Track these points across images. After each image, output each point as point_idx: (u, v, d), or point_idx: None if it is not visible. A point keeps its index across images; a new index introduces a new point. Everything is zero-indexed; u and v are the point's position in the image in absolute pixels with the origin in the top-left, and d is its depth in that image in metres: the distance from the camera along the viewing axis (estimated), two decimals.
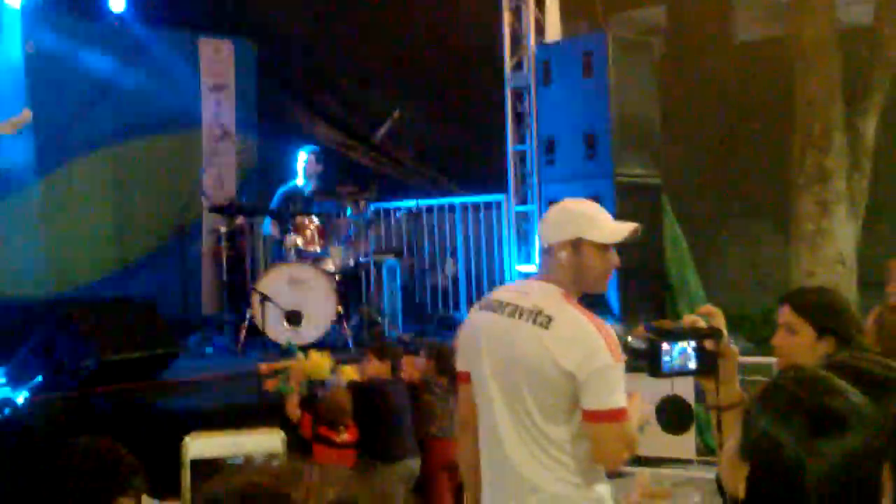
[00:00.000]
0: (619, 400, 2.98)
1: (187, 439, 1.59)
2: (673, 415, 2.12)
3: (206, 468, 1.58)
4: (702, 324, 2.15)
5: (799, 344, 3.04)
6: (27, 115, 6.51)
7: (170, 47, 10.78)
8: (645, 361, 2.08)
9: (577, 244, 3.17)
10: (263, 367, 6.18)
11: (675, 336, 2.06)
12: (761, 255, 11.00)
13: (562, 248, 3.17)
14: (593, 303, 3.32)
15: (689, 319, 2.22)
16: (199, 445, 1.57)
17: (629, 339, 2.12)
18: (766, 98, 11.09)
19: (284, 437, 1.58)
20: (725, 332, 2.26)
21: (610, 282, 3.34)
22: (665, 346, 2.03)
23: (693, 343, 2.05)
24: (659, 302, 8.50)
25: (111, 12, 10.71)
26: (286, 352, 7.24)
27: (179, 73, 10.79)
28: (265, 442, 1.54)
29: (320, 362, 6.01)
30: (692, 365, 2.05)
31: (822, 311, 3.09)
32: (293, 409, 5.77)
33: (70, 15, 10.04)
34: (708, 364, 2.08)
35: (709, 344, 2.13)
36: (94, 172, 10.09)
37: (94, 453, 2.65)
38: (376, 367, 6.16)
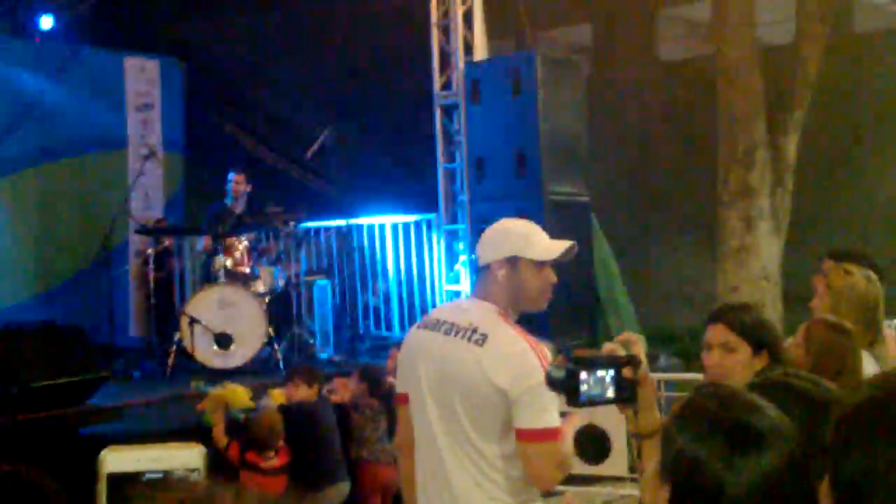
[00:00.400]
0: (551, 419, 2.99)
1: (104, 452, 1.56)
2: (590, 445, 2.13)
3: (124, 482, 1.55)
4: (621, 352, 2.16)
5: (737, 362, 3.06)
6: None
7: (95, 66, 10.65)
8: (563, 390, 2.06)
9: (513, 262, 3.18)
10: (202, 405, 6.07)
11: (593, 364, 2.06)
12: (688, 271, 11.16)
13: (499, 266, 3.19)
14: (532, 321, 3.33)
15: (608, 347, 2.22)
16: (116, 459, 1.55)
17: (548, 367, 2.10)
18: (690, 115, 11.28)
19: (205, 451, 1.56)
20: (644, 359, 2.27)
21: None
22: (583, 374, 2.03)
23: (611, 371, 2.05)
24: (589, 318, 8.58)
25: (38, 30, 10.57)
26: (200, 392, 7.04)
27: (105, 92, 10.66)
28: (185, 457, 1.52)
29: (238, 392, 5.94)
30: (610, 393, 2.05)
31: (757, 328, 3.12)
32: (219, 437, 5.71)
33: None
34: (626, 392, 2.09)
35: (627, 372, 2.14)
36: (16, 192, 9.92)
37: (14, 481, 2.56)
38: (304, 392, 6.12)
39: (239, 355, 8.14)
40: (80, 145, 10.38)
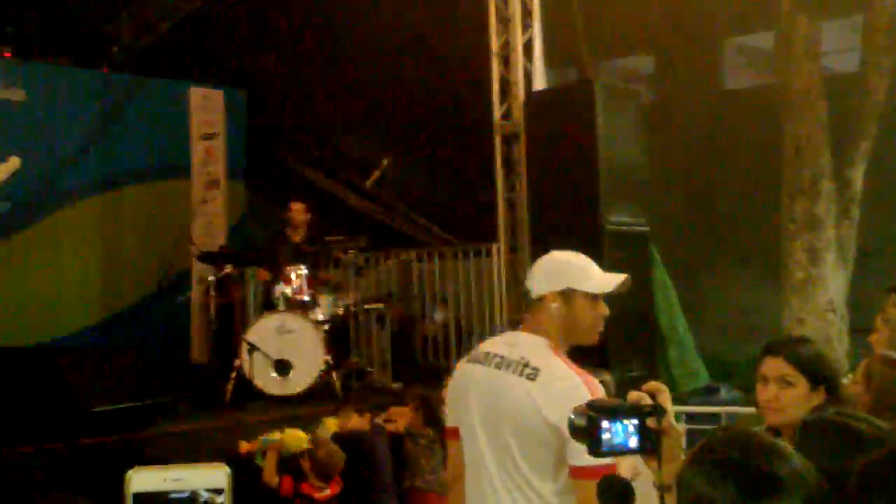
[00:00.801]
0: None
1: (130, 472, 1.58)
2: (611, 496, 2.06)
3: (150, 502, 1.57)
4: (647, 400, 2.11)
5: (794, 396, 2.98)
6: (15, 162, 6.47)
7: (161, 96, 10.84)
8: (584, 439, 2.00)
9: (568, 294, 3.15)
10: (244, 446, 6.07)
11: (616, 413, 2.00)
12: (751, 303, 10.99)
13: (553, 298, 3.16)
14: (587, 353, 3.29)
15: (633, 395, 2.15)
16: (142, 479, 1.56)
17: (571, 415, 2.06)
18: (753, 145, 11.14)
19: (230, 473, 1.57)
20: (670, 409, 2.21)
21: (603, 331, 3.32)
22: (605, 423, 1.97)
23: (635, 420, 1.99)
24: (648, 350, 8.46)
25: (106, 60, 10.81)
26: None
27: (170, 122, 10.85)
28: (210, 478, 1.53)
29: (296, 436, 5.93)
30: (633, 443, 1.98)
31: (816, 362, 3.05)
32: (271, 478, 5.71)
33: (64, 63, 10.09)
34: (650, 442, 2.03)
35: (651, 422, 2.06)
36: (83, 219, 10.10)
37: None
38: (356, 421, 6.12)
39: (297, 382, 8.17)
40: (144, 173, 10.56)
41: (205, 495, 1.67)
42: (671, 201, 10.96)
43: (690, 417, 6.93)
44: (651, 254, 8.67)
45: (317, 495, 5.63)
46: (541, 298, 3.18)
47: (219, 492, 1.68)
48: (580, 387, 3.00)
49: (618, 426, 1.97)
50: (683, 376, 8.46)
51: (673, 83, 12.67)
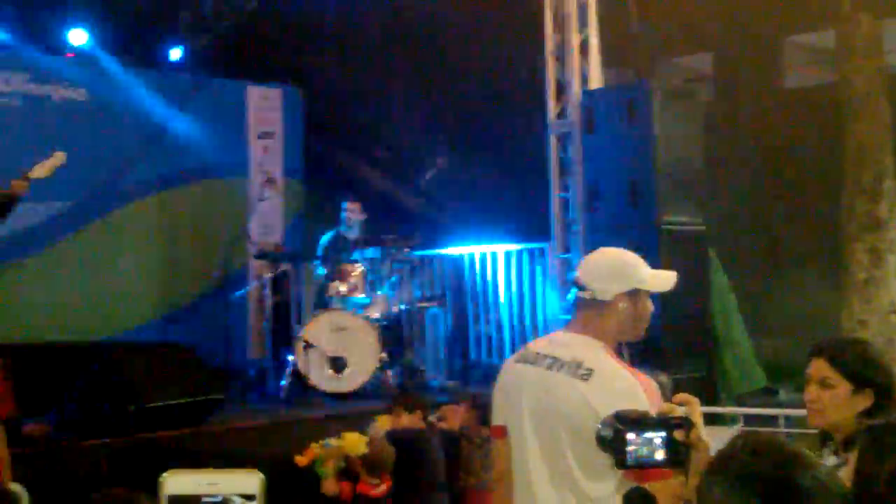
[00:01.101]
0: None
1: (165, 475, 1.59)
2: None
3: None
4: (678, 412, 2.06)
5: (833, 398, 2.94)
6: (60, 156, 6.58)
7: (219, 95, 10.95)
8: (610, 450, 1.97)
9: (633, 295, 3.14)
10: (301, 461, 6.03)
11: (642, 425, 1.96)
12: (811, 304, 10.83)
13: (621, 299, 3.12)
14: (644, 354, 3.27)
15: (664, 408, 2.12)
16: (177, 482, 1.57)
17: (599, 425, 2.01)
18: (814, 145, 10.98)
19: (263, 479, 1.57)
20: (700, 422, 2.15)
21: (655, 332, 3.30)
22: (631, 435, 1.93)
23: (662, 433, 1.95)
24: (705, 352, 8.37)
25: (165, 60, 10.94)
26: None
27: (228, 121, 10.94)
28: (243, 483, 1.53)
29: (356, 441, 5.85)
30: (659, 456, 1.95)
31: (860, 365, 2.99)
32: (332, 486, 5.69)
33: (125, 62, 10.24)
34: (677, 455, 1.99)
35: (679, 434, 2.04)
36: (141, 217, 10.23)
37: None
38: (406, 419, 6.12)
39: (352, 380, 8.23)
40: (202, 172, 10.66)
41: (237, 501, 1.68)
42: (730, 202, 10.83)
43: (748, 419, 6.83)
44: (709, 255, 8.57)
45: (373, 492, 5.62)
46: (605, 299, 3.12)
47: (251, 497, 1.69)
48: (635, 387, 2.99)
49: (644, 438, 1.92)
50: (740, 378, 8.36)
51: (732, 82, 12.52)
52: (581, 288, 3.17)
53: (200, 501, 1.66)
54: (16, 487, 4.98)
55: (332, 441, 5.89)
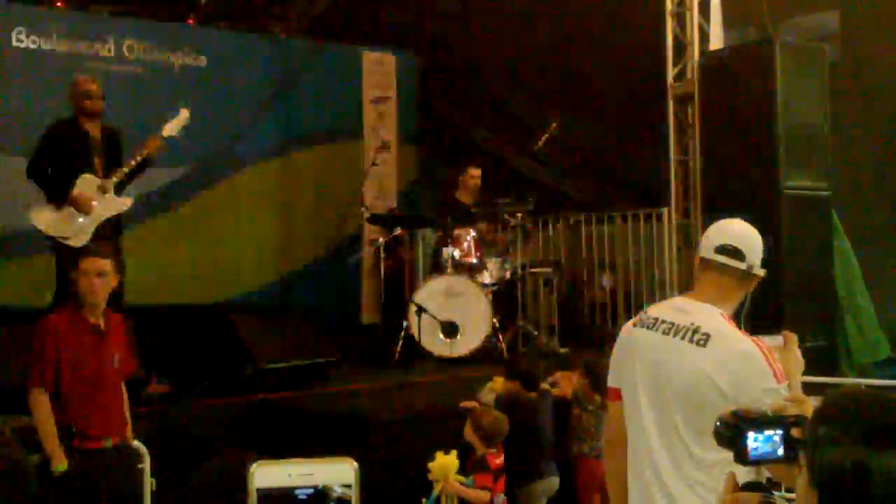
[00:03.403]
0: None
1: (253, 467, 1.55)
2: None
3: (275, 499, 1.52)
4: (791, 411, 2.12)
5: None
6: (185, 114, 6.75)
7: (335, 60, 11.02)
8: (732, 448, 2.07)
9: (756, 272, 3.13)
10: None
11: (762, 424, 2.06)
12: None
13: (759, 271, 3.12)
14: (768, 322, 3.21)
15: (776, 405, 2.18)
16: (266, 474, 1.53)
17: (717, 422, 2.11)
18: None
19: (357, 466, 1.54)
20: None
21: (777, 299, 3.27)
22: (751, 433, 2.04)
23: (780, 431, 2.04)
24: (827, 320, 8.11)
25: (281, 27, 11.07)
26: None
27: (343, 86, 11.02)
28: (338, 472, 1.49)
29: (446, 464, 5.50)
30: (780, 452, 2.04)
31: None
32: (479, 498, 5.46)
33: (243, 29, 10.39)
34: (795, 451, 2.05)
35: (796, 432, 2.08)
36: (261, 181, 10.40)
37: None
38: (506, 385, 6.08)
39: (464, 345, 8.24)
40: (318, 137, 10.77)
41: (337, 490, 1.64)
42: (857, 166, 10.42)
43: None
44: (832, 221, 8.28)
45: (493, 463, 5.51)
46: (758, 273, 3.13)
47: (348, 486, 1.64)
48: (755, 352, 2.94)
49: (764, 436, 2.05)
50: (862, 348, 8.09)
51: (861, 42, 12.01)
52: (737, 257, 3.11)
53: (293, 494, 1.61)
54: (138, 444, 5.12)
55: (434, 463, 5.49)
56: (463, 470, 5.35)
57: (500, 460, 5.51)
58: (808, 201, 8.04)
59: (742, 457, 2.05)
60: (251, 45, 10.49)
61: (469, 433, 5.60)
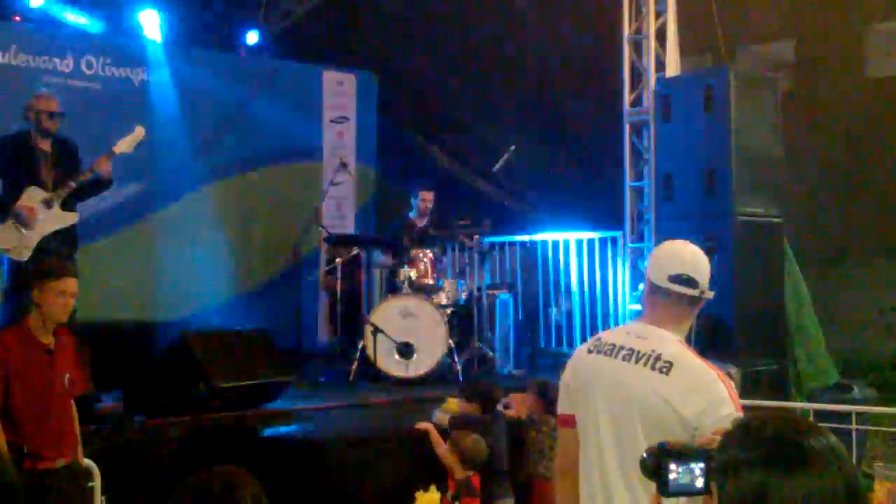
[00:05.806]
0: None
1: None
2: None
3: None
4: (717, 445, 2.15)
5: None
6: (140, 131, 6.71)
7: (295, 79, 11.02)
8: (654, 478, 2.11)
9: (707, 295, 3.14)
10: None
11: (684, 456, 2.09)
12: (890, 298, 10.57)
13: (706, 298, 3.13)
14: (719, 348, 3.24)
15: (703, 440, 2.30)
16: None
17: (644, 454, 2.15)
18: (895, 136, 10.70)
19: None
20: None
21: (728, 324, 3.30)
22: (673, 465, 2.08)
23: (702, 464, 2.07)
24: (777, 346, 8.21)
25: (243, 45, 11.05)
26: None
27: (303, 105, 11.02)
28: None
29: (431, 501, 5.59)
30: (699, 484, 2.07)
31: None
32: None
33: (205, 47, 10.36)
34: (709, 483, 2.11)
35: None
36: (219, 199, 10.34)
37: (229, 482, 2.58)
38: (463, 407, 6.11)
39: (419, 365, 8.24)
40: (277, 155, 10.75)
41: None
42: (808, 193, 10.60)
43: (821, 416, 6.68)
44: (783, 246, 8.41)
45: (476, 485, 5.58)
46: (708, 298, 3.14)
47: None
48: (718, 382, 2.94)
49: (684, 468, 2.07)
50: (811, 373, 8.20)
51: (814, 71, 12.24)
52: (690, 285, 3.10)
53: None
54: (88, 463, 5.07)
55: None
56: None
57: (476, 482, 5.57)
58: (760, 227, 8.15)
59: (662, 488, 2.09)
60: (211, 62, 10.47)
61: (446, 455, 5.64)
